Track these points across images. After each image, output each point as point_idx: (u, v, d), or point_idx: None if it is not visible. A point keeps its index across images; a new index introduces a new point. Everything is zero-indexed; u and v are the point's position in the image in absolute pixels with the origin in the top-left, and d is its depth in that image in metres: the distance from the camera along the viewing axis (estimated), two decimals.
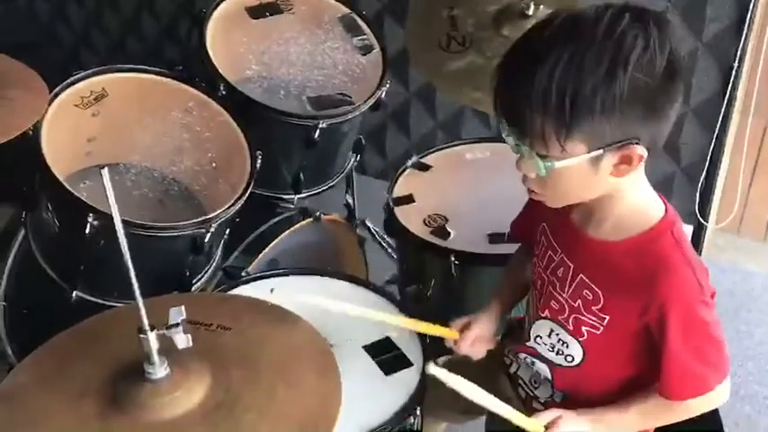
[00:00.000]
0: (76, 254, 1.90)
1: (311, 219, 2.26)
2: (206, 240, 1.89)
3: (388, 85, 2.26)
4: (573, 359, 1.44)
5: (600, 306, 1.35)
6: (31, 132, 1.81)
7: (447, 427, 1.91)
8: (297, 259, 2.22)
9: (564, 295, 1.40)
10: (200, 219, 1.89)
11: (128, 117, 2.09)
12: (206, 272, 2.06)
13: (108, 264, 1.81)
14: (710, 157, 2.73)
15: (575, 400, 1.48)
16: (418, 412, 1.55)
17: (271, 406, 1.19)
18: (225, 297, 1.69)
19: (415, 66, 2.34)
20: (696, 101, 2.69)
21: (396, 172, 2.19)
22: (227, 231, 2.05)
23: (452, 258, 1.90)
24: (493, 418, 1.70)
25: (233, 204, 1.93)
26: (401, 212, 2.06)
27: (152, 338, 1.16)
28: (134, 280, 1.15)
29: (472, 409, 1.69)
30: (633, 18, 1.17)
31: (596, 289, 1.35)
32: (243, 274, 1.92)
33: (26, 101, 1.85)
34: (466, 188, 2.17)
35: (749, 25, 2.53)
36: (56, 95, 1.92)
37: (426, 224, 2.04)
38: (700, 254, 2.86)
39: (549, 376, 1.50)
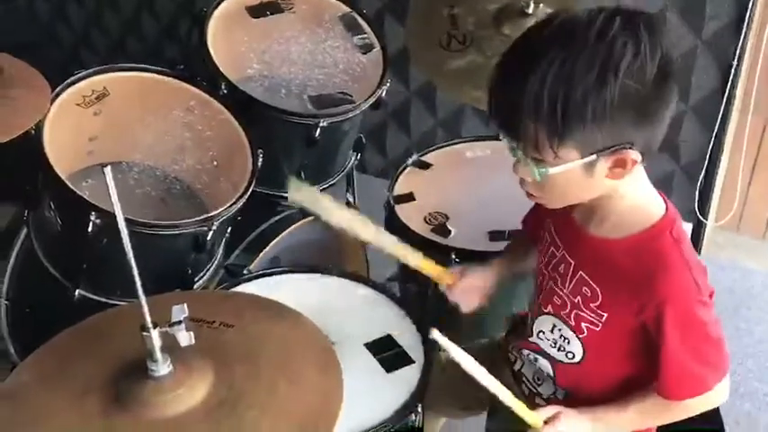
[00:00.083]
0: (79, 252, 1.90)
1: (312, 217, 2.26)
2: (208, 238, 1.89)
3: (388, 84, 2.26)
4: (573, 356, 1.44)
5: (598, 303, 1.36)
6: (33, 131, 1.81)
7: (446, 423, 1.92)
8: (298, 257, 2.22)
9: (564, 291, 1.41)
10: (201, 217, 1.90)
11: (129, 116, 2.10)
12: (208, 270, 2.06)
13: (110, 262, 1.82)
14: (710, 156, 2.74)
15: (576, 397, 1.48)
16: (419, 409, 1.55)
17: (273, 403, 1.20)
18: (227, 294, 1.70)
19: (415, 64, 2.34)
20: (695, 99, 2.69)
21: (396, 170, 2.20)
22: (229, 230, 2.06)
23: (453, 256, 1.90)
24: (493, 418, 1.72)
25: (234, 203, 1.93)
26: (402, 210, 2.06)
27: (155, 336, 1.17)
28: (137, 278, 1.15)
29: (472, 405, 1.70)
30: (624, 22, 1.17)
31: (595, 286, 1.36)
32: (245, 272, 1.92)
33: (28, 100, 1.86)
34: (466, 186, 2.18)
35: (748, 23, 2.53)
36: (57, 95, 1.93)
37: (427, 222, 2.04)
38: (699, 252, 2.87)
39: (552, 373, 1.50)
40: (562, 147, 1.20)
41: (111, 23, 3.74)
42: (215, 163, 2.13)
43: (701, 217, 2.81)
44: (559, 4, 2.08)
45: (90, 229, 1.77)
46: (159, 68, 2.10)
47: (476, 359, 1.36)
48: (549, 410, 1.42)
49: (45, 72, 1.94)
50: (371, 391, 1.53)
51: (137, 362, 1.20)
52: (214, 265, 2.08)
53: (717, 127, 2.68)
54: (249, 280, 1.80)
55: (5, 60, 1.91)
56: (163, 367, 1.18)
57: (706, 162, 2.74)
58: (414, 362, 1.59)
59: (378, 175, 3.19)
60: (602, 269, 1.36)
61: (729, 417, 1.84)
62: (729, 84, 2.62)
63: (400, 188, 2.14)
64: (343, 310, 1.72)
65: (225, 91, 2.10)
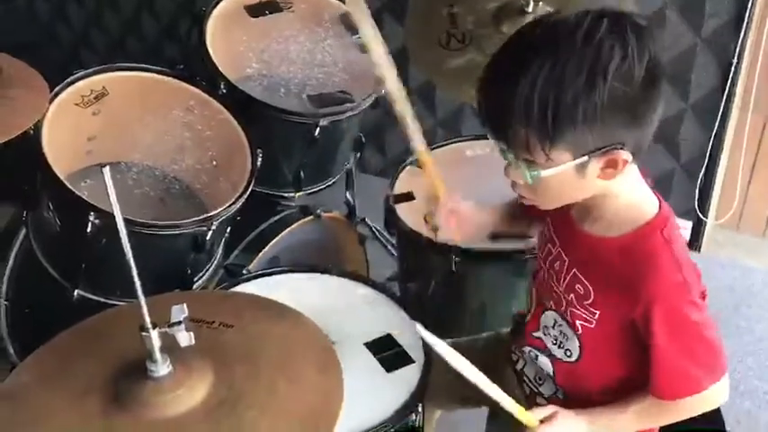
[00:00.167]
0: (78, 253, 1.90)
1: (312, 217, 2.26)
2: (207, 238, 1.89)
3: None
4: (571, 354, 1.44)
5: (590, 301, 1.37)
6: (31, 131, 1.81)
7: (446, 423, 1.91)
8: (297, 257, 2.22)
9: (560, 288, 1.42)
10: (201, 217, 1.89)
11: (128, 116, 2.10)
12: (207, 270, 2.06)
13: (109, 262, 1.82)
14: (710, 154, 2.74)
15: (576, 397, 1.48)
16: (420, 409, 1.55)
17: (273, 403, 1.20)
18: (227, 295, 1.69)
19: (414, 63, 2.34)
20: (695, 97, 2.69)
21: (396, 169, 2.19)
22: (229, 229, 2.05)
23: (453, 255, 1.90)
24: (493, 421, 1.71)
25: (234, 203, 1.93)
26: (401, 210, 2.06)
27: (154, 336, 1.17)
28: (136, 278, 1.15)
29: (469, 399, 1.69)
30: (611, 24, 1.18)
31: (587, 284, 1.37)
32: (244, 271, 1.92)
33: (27, 100, 1.86)
34: (466, 185, 2.16)
35: (748, 21, 2.53)
36: (56, 94, 1.93)
37: (427, 221, 2.04)
38: (699, 250, 2.87)
39: (551, 372, 1.50)
40: (554, 149, 1.21)
41: (110, 23, 3.74)
42: (214, 163, 2.13)
43: (701, 215, 2.81)
44: (559, 2, 2.07)
45: (89, 229, 1.77)
46: (158, 68, 2.10)
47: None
48: (546, 410, 1.42)
49: (45, 72, 1.94)
50: (371, 391, 1.53)
51: (136, 362, 1.20)
52: (213, 265, 2.08)
53: (717, 125, 2.68)
54: (249, 280, 1.80)
55: (4, 60, 1.91)
56: (162, 368, 1.18)
57: (706, 160, 2.74)
58: (414, 361, 1.59)
59: (377, 175, 3.18)
60: (595, 267, 1.36)
61: (730, 415, 1.83)
62: (729, 82, 2.62)
63: (400, 187, 2.13)
64: (342, 309, 1.71)
65: (224, 90, 2.10)
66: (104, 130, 2.07)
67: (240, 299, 1.60)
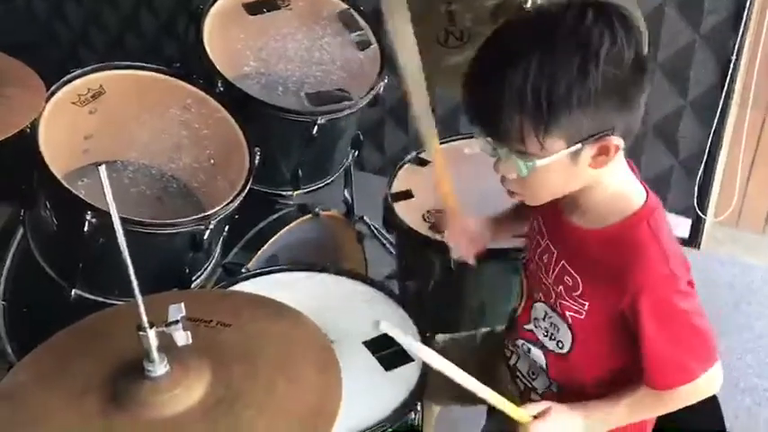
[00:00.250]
0: (75, 252, 1.89)
1: (310, 215, 2.26)
2: (205, 237, 1.89)
3: (386, 81, 2.26)
4: (563, 345, 1.44)
5: (579, 292, 1.37)
6: (28, 130, 1.81)
7: (445, 423, 1.91)
8: (296, 255, 2.22)
9: (549, 280, 1.42)
10: (198, 216, 1.89)
11: (125, 114, 2.09)
12: (205, 269, 2.06)
13: (107, 261, 1.82)
14: (709, 150, 2.74)
15: (569, 390, 1.48)
16: (419, 407, 1.55)
17: (271, 402, 1.19)
18: (224, 294, 1.69)
19: None
20: (694, 94, 2.69)
21: (394, 167, 2.19)
22: (227, 228, 2.05)
23: (451, 254, 1.89)
24: (491, 419, 1.71)
25: (232, 201, 1.93)
26: (400, 208, 2.06)
27: (151, 336, 1.16)
28: (133, 277, 1.15)
29: (467, 397, 1.69)
30: (596, 14, 1.20)
31: (576, 275, 1.37)
32: (242, 270, 1.92)
33: (23, 99, 1.85)
34: (464, 183, 2.16)
35: (747, 17, 2.53)
36: (53, 93, 1.92)
37: (425, 219, 2.04)
38: (698, 247, 2.87)
39: (544, 365, 1.50)
40: (548, 137, 1.22)
41: (109, 21, 3.74)
42: (212, 161, 2.12)
43: (700, 212, 2.81)
44: None
45: (86, 228, 1.76)
46: (155, 66, 2.10)
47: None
48: (539, 406, 1.41)
49: (43, 71, 1.93)
50: (370, 390, 1.53)
51: (134, 362, 1.19)
52: (212, 264, 2.08)
53: (716, 122, 2.68)
54: (247, 278, 1.79)
55: (0, 59, 1.90)
56: (160, 367, 1.18)
57: (705, 157, 2.74)
58: (413, 360, 1.58)
59: (376, 173, 3.18)
60: (583, 259, 1.37)
61: (729, 412, 1.83)
62: (728, 78, 2.62)
63: (398, 185, 2.13)
64: (341, 308, 1.71)
65: (221, 89, 2.09)
66: (101, 128, 2.06)
67: (238, 298, 1.59)
